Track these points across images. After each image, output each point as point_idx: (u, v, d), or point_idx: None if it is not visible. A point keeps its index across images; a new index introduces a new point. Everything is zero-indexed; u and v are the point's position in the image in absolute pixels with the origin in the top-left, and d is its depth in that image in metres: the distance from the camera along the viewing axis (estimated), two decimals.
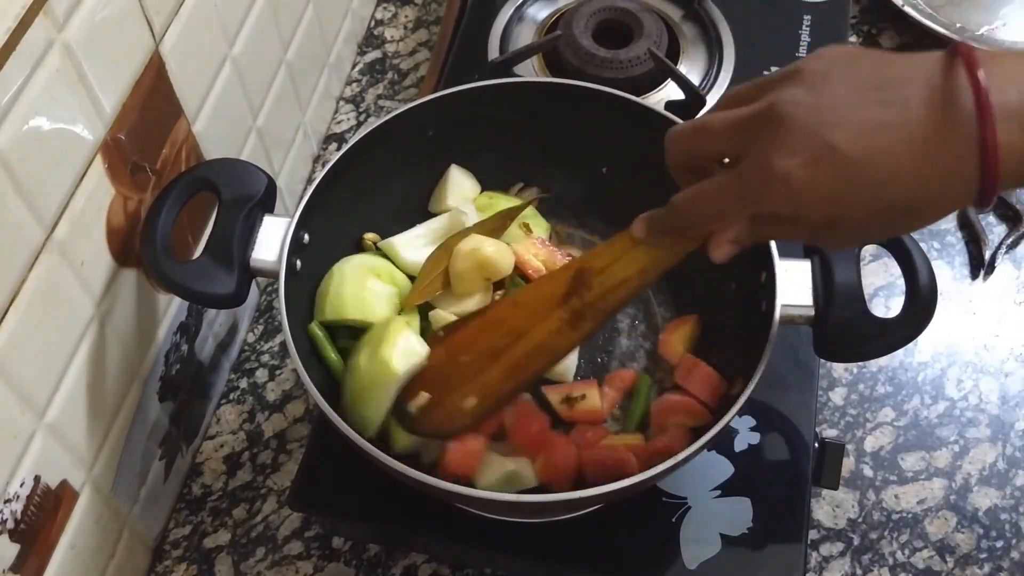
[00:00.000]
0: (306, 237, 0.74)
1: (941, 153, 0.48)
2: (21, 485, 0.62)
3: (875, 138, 0.49)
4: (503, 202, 0.84)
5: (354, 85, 1.11)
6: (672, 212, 0.58)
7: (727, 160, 0.56)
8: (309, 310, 0.77)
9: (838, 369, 0.89)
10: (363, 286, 0.76)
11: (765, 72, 0.96)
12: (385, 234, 0.83)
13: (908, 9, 1.08)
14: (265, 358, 0.93)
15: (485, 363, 0.68)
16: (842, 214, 0.51)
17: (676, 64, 0.97)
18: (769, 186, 0.50)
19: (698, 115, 0.70)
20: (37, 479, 0.63)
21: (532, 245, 0.81)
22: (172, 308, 0.79)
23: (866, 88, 0.50)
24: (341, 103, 1.10)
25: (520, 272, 0.80)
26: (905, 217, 0.52)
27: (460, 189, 0.84)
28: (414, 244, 0.81)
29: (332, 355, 0.75)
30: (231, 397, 0.91)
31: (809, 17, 1.04)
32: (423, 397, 0.69)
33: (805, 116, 0.49)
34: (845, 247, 0.62)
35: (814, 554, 0.80)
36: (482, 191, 0.86)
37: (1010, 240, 0.96)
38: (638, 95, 0.85)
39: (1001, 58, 0.48)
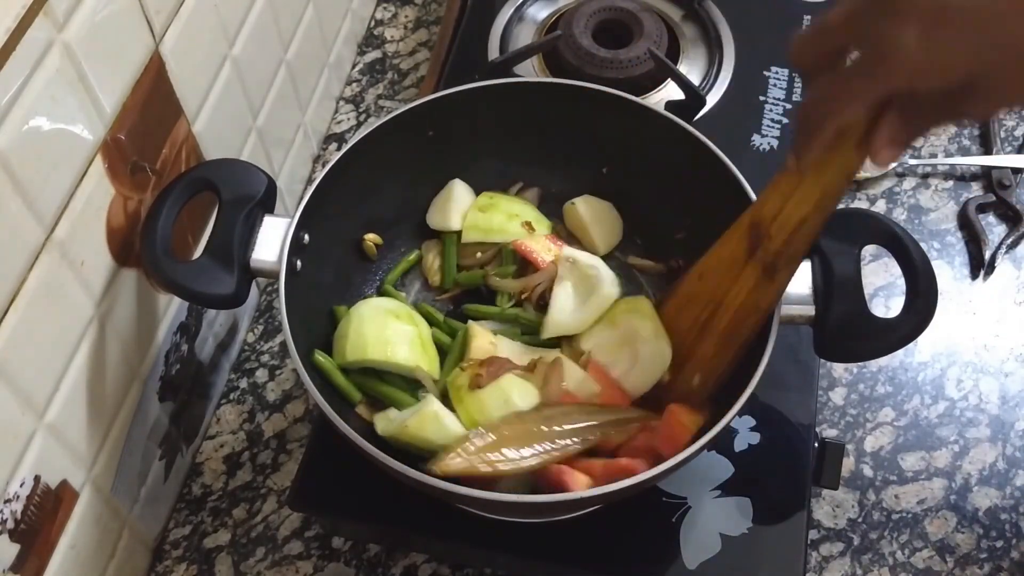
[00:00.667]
0: (306, 237, 0.74)
1: None
2: (21, 485, 0.62)
3: None
4: (503, 202, 0.84)
5: (354, 85, 1.11)
6: (804, 116, 0.56)
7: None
8: (309, 310, 0.77)
9: (838, 369, 0.89)
10: (385, 326, 0.75)
11: (765, 72, 0.98)
12: (385, 234, 0.84)
13: None
14: (265, 358, 0.93)
15: (694, 338, 0.69)
16: (974, 71, 0.48)
17: (676, 64, 0.97)
18: (887, 59, 0.49)
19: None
20: (37, 479, 0.63)
21: (542, 239, 0.82)
22: (172, 308, 0.79)
23: None
24: (341, 103, 1.10)
25: (532, 266, 0.81)
26: None
27: (461, 205, 0.84)
28: None
29: (342, 380, 0.75)
30: (231, 397, 0.91)
31: (809, 17, 1.03)
32: (664, 375, 0.71)
33: None
34: (999, 109, 0.57)
35: (814, 554, 0.80)
36: (482, 192, 0.86)
37: (1010, 240, 0.96)
38: (638, 95, 0.85)
39: None
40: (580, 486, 0.67)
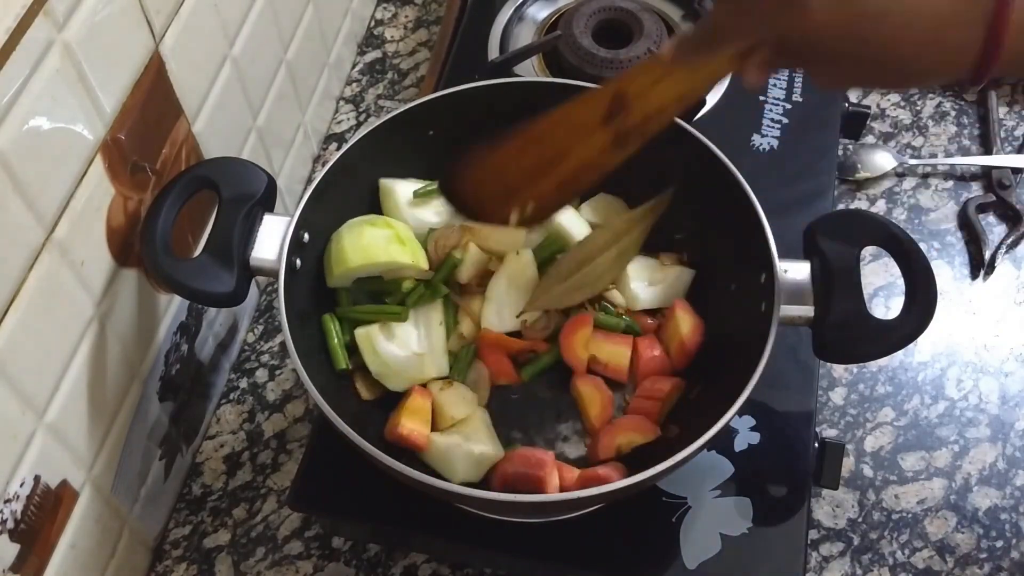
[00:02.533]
0: (306, 236, 0.74)
1: (953, 25, 0.51)
2: (21, 485, 0.62)
3: None
4: None
5: (354, 85, 1.11)
6: (702, 32, 0.61)
7: None
8: (309, 309, 0.77)
9: (838, 369, 0.89)
10: (361, 235, 0.77)
11: None
12: None
13: None
14: (265, 358, 0.93)
15: (536, 175, 0.73)
16: (845, 54, 0.54)
17: None
18: (794, 9, 0.53)
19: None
20: (37, 479, 0.63)
21: None
22: (172, 308, 0.79)
23: None
24: (341, 103, 1.10)
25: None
26: (903, 71, 0.55)
27: None
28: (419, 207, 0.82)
29: (336, 344, 0.76)
30: (231, 397, 0.91)
31: None
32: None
33: None
34: (836, 86, 0.63)
35: (814, 554, 0.80)
36: None
37: (1010, 240, 0.96)
38: None
39: None
40: (554, 489, 0.69)
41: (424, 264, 0.78)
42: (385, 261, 0.76)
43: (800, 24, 0.54)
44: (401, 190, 0.82)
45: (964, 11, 0.51)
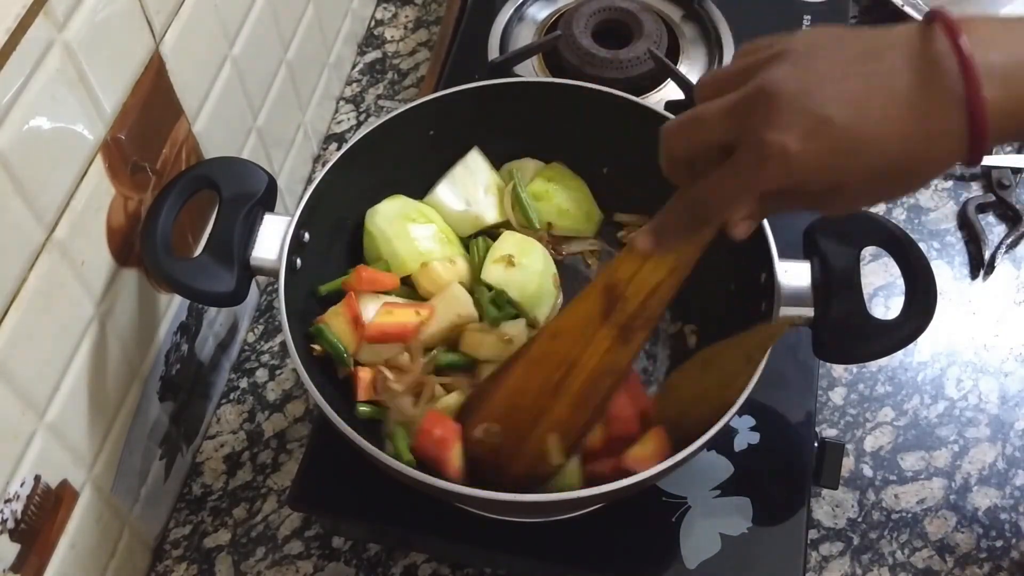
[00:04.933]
0: (306, 236, 0.74)
1: (929, 116, 0.50)
2: (21, 485, 0.62)
3: (863, 106, 0.50)
4: (557, 184, 0.84)
5: (354, 85, 1.11)
6: (681, 215, 0.59)
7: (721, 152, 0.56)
8: (308, 309, 0.77)
9: (838, 369, 0.89)
10: (409, 238, 0.79)
11: None
12: None
13: (908, 9, 1.08)
14: (265, 358, 0.93)
15: (547, 399, 0.66)
16: (841, 181, 0.52)
17: (676, 64, 0.97)
18: (768, 164, 0.51)
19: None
20: (37, 479, 0.64)
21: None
22: (172, 308, 0.79)
23: (850, 61, 0.51)
24: (341, 103, 1.10)
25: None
26: (902, 178, 0.53)
27: (487, 184, 0.84)
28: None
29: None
30: (231, 397, 0.91)
31: (809, 17, 1.04)
32: (492, 428, 0.68)
33: (794, 92, 0.50)
34: (851, 210, 0.59)
35: (814, 554, 0.80)
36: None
37: (1010, 240, 0.96)
38: (638, 95, 0.85)
39: (974, 22, 0.50)
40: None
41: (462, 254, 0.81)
42: (441, 260, 0.79)
43: (783, 174, 0.51)
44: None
45: (936, 96, 0.49)
